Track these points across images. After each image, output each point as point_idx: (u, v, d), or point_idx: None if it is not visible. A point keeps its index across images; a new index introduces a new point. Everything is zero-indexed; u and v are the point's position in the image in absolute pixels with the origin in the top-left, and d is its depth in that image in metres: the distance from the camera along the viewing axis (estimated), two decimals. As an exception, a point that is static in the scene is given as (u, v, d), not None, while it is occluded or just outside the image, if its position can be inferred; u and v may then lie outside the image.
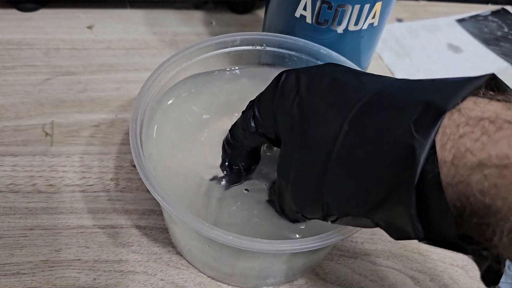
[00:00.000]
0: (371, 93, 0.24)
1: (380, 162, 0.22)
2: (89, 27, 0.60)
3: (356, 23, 0.41)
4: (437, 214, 0.21)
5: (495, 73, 0.22)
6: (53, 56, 0.55)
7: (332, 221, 0.26)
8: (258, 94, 0.32)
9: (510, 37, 0.68)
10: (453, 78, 0.23)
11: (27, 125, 0.47)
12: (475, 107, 0.21)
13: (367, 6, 0.40)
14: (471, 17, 0.71)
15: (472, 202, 0.20)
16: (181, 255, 0.39)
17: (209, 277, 0.38)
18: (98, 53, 0.56)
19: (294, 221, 0.33)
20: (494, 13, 0.72)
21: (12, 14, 0.60)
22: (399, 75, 0.59)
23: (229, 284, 0.38)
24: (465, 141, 0.20)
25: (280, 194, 0.30)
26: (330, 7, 0.40)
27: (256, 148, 0.36)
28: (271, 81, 0.30)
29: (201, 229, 0.28)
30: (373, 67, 0.59)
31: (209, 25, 0.63)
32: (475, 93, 0.22)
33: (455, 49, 0.65)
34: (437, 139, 0.20)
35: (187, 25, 0.62)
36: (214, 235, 0.28)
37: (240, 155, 0.36)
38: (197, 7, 0.65)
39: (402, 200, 0.21)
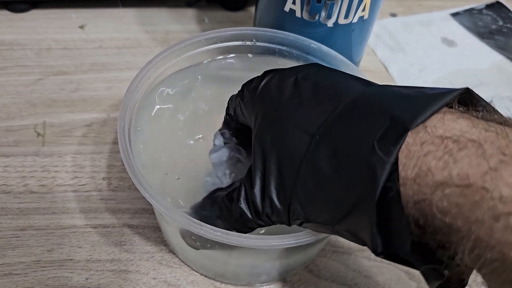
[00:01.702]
0: (345, 102, 0.24)
1: (346, 176, 0.22)
2: (81, 27, 0.59)
3: (346, 17, 0.41)
4: (396, 231, 0.21)
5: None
6: (44, 56, 0.55)
7: (298, 225, 0.27)
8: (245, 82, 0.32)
9: (504, 30, 0.68)
10: (429, 90, 0.23)
11: (18, 125, 0.47)
12: (441, 125, 0.21)
13: (356, -1, 0.40)
14: (466, 10, 0.71)
15: (434, 220, 0.20)
16: (174, 254, 0.39)
17: (202, 275, 0.38)
18: (90, 53, 0.56)
19: (248, 228, 0.30)
20: (488, 6, 0.72)
21: (3, 15, 0.60)
22: (393, 70, 0.59)
23: (222, 282, 0.38)
24: (429, 160, 0.20)
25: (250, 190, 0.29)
26: (319, 1, 0.40)
27: None
28: (255, 78, 0.30)
29: (189, 226, 0.28)
30: (367, 62, 0.59)
31: (201, 22, 0.62)
32: (447, 106, 0.22)
33: (449, 43, 0.65)
34: (401, 157, 0.21)
35: (179, 23, 0.62)
36: (202, 231, 0.27)
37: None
38: (189, 5, 0.65)
39: (363, 215, 0.22)
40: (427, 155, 0.20)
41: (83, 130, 0.47)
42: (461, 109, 0.22)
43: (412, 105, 0.22)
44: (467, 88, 0.22)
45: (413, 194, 0.20)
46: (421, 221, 0.20)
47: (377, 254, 0.22)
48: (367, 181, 0.21)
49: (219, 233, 0.27)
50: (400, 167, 0.20)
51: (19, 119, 0.48)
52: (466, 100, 0.23)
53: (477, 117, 0.21)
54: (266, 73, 0.30)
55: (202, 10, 0.65)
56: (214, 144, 0.36)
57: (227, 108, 0.35)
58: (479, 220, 0.18)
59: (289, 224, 0.27)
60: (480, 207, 0.18)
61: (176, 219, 0.28)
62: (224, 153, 0.35)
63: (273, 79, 0.29)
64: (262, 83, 0.29)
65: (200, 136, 0.38)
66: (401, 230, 0.21)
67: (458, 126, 0.21)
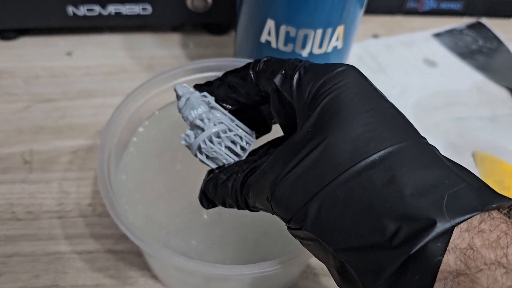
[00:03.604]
0: (410, 141, 0.23)
1: (389, 211, 0.21)
2: (68, 54, 0.61)
3: (320, 47, 0.42)
4: None
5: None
6: (33, 83, 0.56)
7: (290, 227, 0.25)
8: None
9: (484, 50, 0.69)
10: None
11: (6, 153, 0.48)
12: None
13: (329, 30, 0.41)
14: (447, 31, 0.72)
15: None
16: (157, 279, 0.40)
17: (183, 299, 0.39)
18: (76, 80, 0.57)
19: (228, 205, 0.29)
20: (469, 26, 0.73)
21: (-7, 43, 0.61)
22: (374, 92, 0.60)
23: (203, 306, 0.38)
24: (484, 237, 0.20)
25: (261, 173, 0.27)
26: (293, 32, 0.41)
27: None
28: (324, 64, 0.28)
29: (169, 259, 0.29)
30: (348, 85, 0.60)
31: (186, 47, 0.64)
32: None
33: (430, 63, 0.66)
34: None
35: (164, 48, 0.63)
36: (175, 262, 0.28)
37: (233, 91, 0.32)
38: (174, 29, 0.66)
39: (380, 259, 0.21)
40: (483, 232, 0.20)
41: (69, 157, 0.48)
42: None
43: (484, 188, 0.22)
44: None
45: (454, 267, 0.19)
46: None
47: None
48: (409, 230, 0.20)
49: (191, 264, 0.28)
50: (453, 236, 0.20)
51: (7, 146, 0.49)
52: None
53: None
54: (341, 64, 0.27)
55: (187, 34, 0.66)
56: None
57: (246, 67, 0.31)
58: None
59: (288, 222, 0.25)
60: None
61: (151, 252, 0.29)
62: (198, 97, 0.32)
63: (350, 74, 0.26)
64: (338, 69, 0.26)
65: (183, 161, 0.39)
66: None
67: None
